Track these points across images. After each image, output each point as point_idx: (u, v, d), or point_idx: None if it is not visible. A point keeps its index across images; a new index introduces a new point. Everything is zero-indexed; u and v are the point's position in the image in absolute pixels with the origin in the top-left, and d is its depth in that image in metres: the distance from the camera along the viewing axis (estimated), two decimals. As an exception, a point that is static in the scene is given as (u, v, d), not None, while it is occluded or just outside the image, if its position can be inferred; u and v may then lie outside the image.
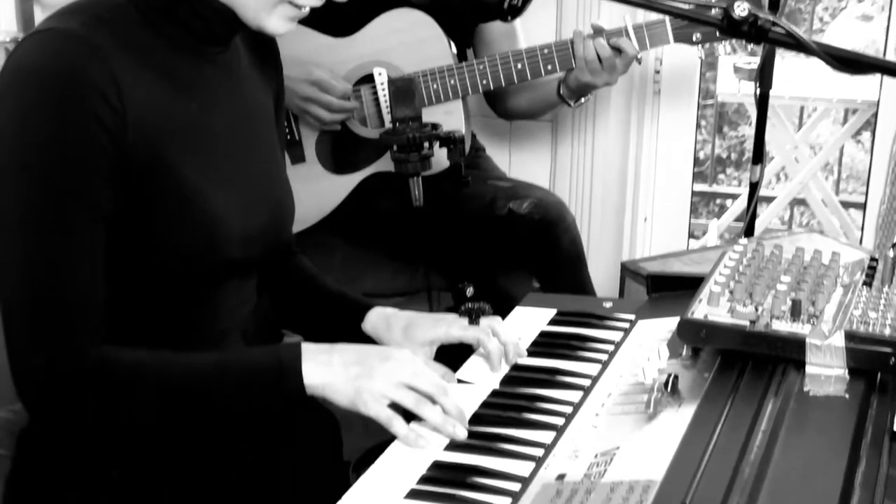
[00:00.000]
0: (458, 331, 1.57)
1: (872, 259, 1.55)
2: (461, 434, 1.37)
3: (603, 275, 3.01)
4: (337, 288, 1.68)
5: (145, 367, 1.34)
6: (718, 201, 5.43)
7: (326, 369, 1.37)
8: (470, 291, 2.25)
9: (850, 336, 1.33)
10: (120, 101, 1.30)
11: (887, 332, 1.33)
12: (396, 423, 1.36)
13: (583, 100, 2.54)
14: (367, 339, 1.63)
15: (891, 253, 1.50)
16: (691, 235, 4.13)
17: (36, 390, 1.31)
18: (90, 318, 1.31)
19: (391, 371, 1.37)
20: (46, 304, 1.29)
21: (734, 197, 4.80)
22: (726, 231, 4.33)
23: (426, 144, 2.10)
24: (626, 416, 1.35)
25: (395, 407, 1.38)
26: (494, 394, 1.50)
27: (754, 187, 2.63)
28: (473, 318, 1.59)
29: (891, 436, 1.33)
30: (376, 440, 1.44)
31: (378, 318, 1.62)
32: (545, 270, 2.50)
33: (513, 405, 1.45)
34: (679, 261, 2.40)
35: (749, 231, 2.67)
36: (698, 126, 3.88)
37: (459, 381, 1.55)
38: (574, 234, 2.49)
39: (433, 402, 1.38)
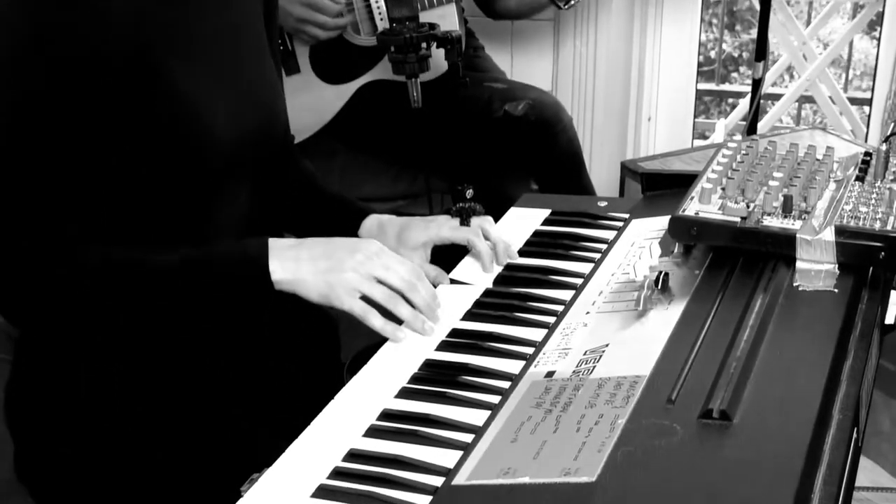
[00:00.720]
0: (448, 231, 1.58)
1: (866, 154, 1.54)
2: (430, 330, 1.38)
3: (606, 177, 3.01)
4: (335, 192, 1.68)
5: (112, 260, 1.35)
6: (730, 100, 5.38)
7: (294, 264, 1.38)
8: (469, 193, 2.26)
9: (841, 231, 1.33)
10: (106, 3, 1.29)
11: (877, 226, 1.33)
12: (372, 317, 1.38)
13: (573, 1, 2.51)
14: None
15: (883, 147, 1.50)
16: (700, 136, 4.11)
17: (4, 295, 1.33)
18: (57, 220, 1.32)
19: (361, 264, 1.38)
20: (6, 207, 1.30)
21: (744, 96, 4.75)
22: (734, 130, 4.30)
23: (424, 45, 2.08)
24: (616, 314, 1.36)
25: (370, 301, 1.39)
26: (487, 293, 1.52)
27: (757, 84, 2.60)
28: (464, 219, 1.60)
29: (881, 329, 1.34)
30: (372, 341, 1.46)
31: (373, 224, 1.63)
32: (543, 171, 2.50)
33: (504, 304, 1.46)
34: (679, 159, 2.38)
35: (752, 129, 2.65)
36: (710, 25, 3.84)
37: (453, 281, 1.56)
38: (571, 135, 2.49)
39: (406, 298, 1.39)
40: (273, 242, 1.39)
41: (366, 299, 1.38)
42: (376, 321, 1.38)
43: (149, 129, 1.35)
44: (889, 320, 1.43)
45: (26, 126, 1.29)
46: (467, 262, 1.60)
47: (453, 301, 1.47)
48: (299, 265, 1.38)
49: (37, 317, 1.36)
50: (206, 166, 1.42)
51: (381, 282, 1.39)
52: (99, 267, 1.34)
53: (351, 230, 1.62)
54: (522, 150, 2.48)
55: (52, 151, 1.31)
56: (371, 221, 1.63)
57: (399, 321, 1.40)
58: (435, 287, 1.49)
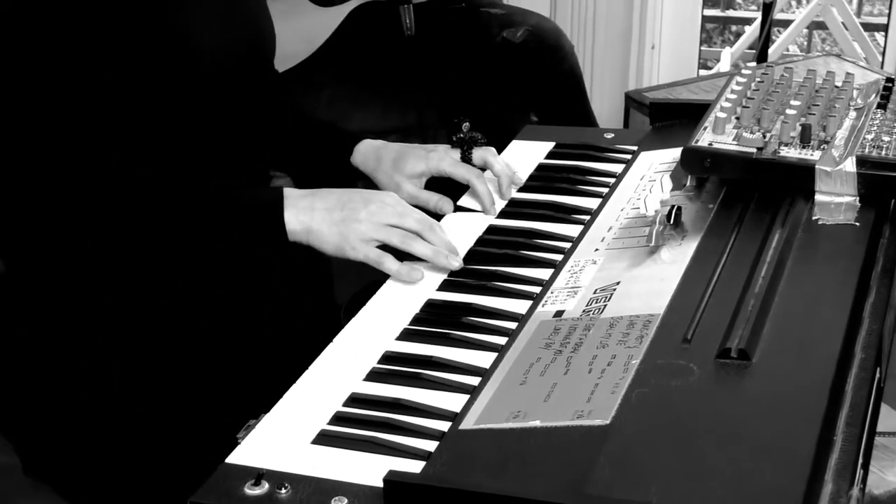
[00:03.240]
0: (448, 166, 1.57)
1: (888, 80, 1.53)
2: (456, 264, 1.39)
3: (608, 107, 3.00)
4: (324, 120, 1.67)
5: (144, 209, 1.36)
6: (734, 28, 5.34)
7: (308, 214, 1.38)
8: (466, 126, 2.24)
9: (862, 161, 1.33)
10: None
11: (901, 156, 1.33)
12: (387, 260, 1.38)
13: None
14: (356, 174, 1.63)
15: (908, 73, 1.49)
16: (704, 66, 4.08)
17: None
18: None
19: (374, 213, 1.38)
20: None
21: (750, 22, 4.71)
22: (740, 59, 4.28)
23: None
24: (626, 251, 1.36)
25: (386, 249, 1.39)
26: (490, 230, 1.51)
27: (767, 9, 2.58)
28: (466, 150, 1.59)
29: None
30: (366, 283, 1.46)
31: (367, 149, 1.62)
32: (544, 102, 2.48)
33: (509, 241, 1.46)
34: (686, 89, 2.39)
35: (762, 57, 2.64)
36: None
37: (459, 208, 1.55)
38: (573, 62, 2.47)
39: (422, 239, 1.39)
40: (288, 192, 1.39)
41: (382, 248, 1.38)
42: (392, 265, 1.38)
43: (141, 51, 1.34)
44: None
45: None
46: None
47: (459, 232, 1.47)
48: (313, 215, 1.38)
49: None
50: (198, 88, 1.40)
51: (395, 227, 1.39)
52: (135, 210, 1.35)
53: (342, 158, 1.61)
54: (522, 80, 2.46)
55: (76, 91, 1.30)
56: (366, 146, 1.62)
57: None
58: (440, 218, 1.49)
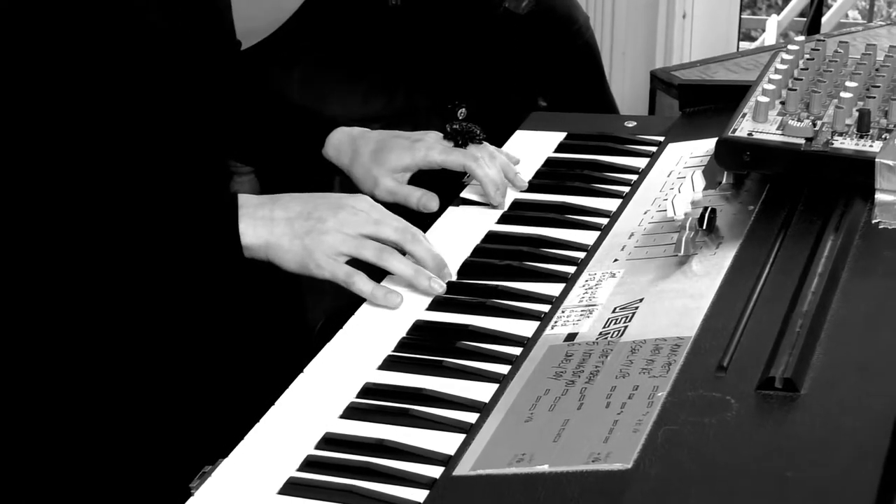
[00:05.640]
0: (439, 155, 1.58)
1: (962, 57, 1.54)
2: (438, 288, 1.39)
3: (631, 89, 3.01)
4: (294, 104, 1.68)
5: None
6: (782, -8, 5.38)
7: (267, 226, 1.38)
8: (462, 113, 2.26)
9: (931, 153, 1.34)
10: None
11: (976, 147, 1.34)
12: (359, 280, 1.38)
13: None
14: (329, 168, 1.64)
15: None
16: (746, 37, 4.10)
17: None
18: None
19: (345, 222, 1.38)
20: None
21: (799, -15, 4.73)
22: (789, 29, 4.29)
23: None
24: (651, 262, 1.37)
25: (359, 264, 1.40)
26: (490, 237, 1.52)
27: (820, -32, 2.59)
28: (460, 143, 1.60)
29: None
30: (345, 299, 1.46)
31: (342, 140, 1.63)
32: (554, 84, 2.49)
33: (512, 251, 1.47)
34: (723, 67, 2.40)
35: (814, 27, 2.65)
36: None
37: (463, 200, 1.57)
38: (588, 37, 2.48)
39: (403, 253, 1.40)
40: (243, 200, 1.39)
41: (354, 263, 1.39)
42: (365, 285, 1.38)
43: (82, 28, 1.35)
44: None
45: None
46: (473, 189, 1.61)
47: (458, 236, 1.48)
48: (272, 227, 1.39)
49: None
50: (145, 64, 1.41)
51: (370, 238, 1.39)
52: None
53: (313, 147, 1.62)
54: (528, 58, 2.47)
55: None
56: (340, 136, 1.63)
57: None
58: (427, 225, 1.50)
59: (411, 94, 2.37)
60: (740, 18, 3.35)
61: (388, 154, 1.60)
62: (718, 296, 1.25)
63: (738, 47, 3.22)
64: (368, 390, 1.24)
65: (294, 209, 1.40)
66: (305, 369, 1.28)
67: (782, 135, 1.41)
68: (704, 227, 1.36)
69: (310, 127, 1.65)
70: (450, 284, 1.41)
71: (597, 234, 1.49)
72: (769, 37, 3.68)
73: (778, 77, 1.51)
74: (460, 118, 2.20)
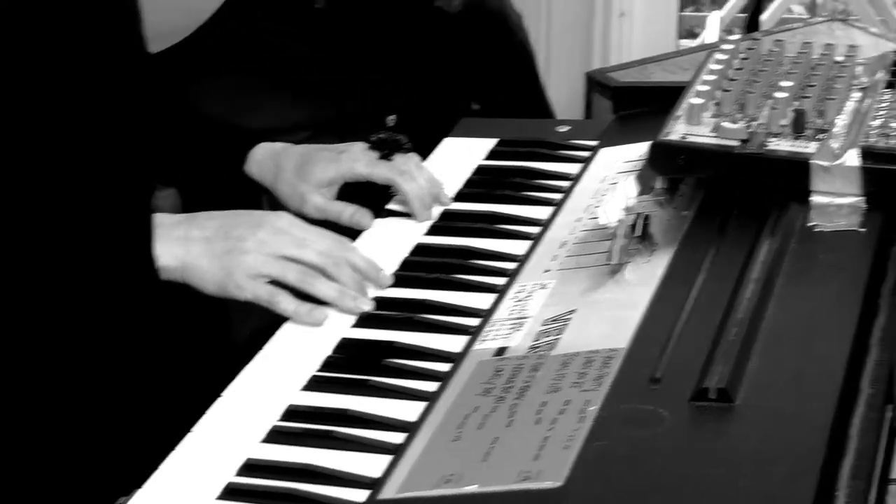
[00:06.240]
0: (364, 167, 1.59)
1: (899, 52, 1.57)
2: (366, 307, 1.40)
3: (568, 93, 3.02)
4: (210, 119, 1.68)
5: None
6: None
7: (183, 246, 1.38)
8: (391, 120, 2.26)
9: (868, 153, 1.36)
10: None
11: (913, 145, 1.36)
12: (282, 300, 1.39)
13: None
14: (252, 185, 1.64)
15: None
16: (690, 34, 4.13)
17: None
18: None
19: (265, 242, 1.39)
20: None
21: (742, -20, 4.77)
22: (732, 25, 4.33)
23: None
24: (583, 271, 1.38)
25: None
26: (418, 250, 1.53)
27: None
28: (386, 156, 1.61)
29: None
30: (269, 319, 1.46)
31: (264, 156, 1.63)
32: (487, 87, 2.50)
33: (440, 264, 1.48)
34: (661, 67, 2.41)
35: (753, 24, 2.67)
36: None
37: (389, 212, 1.58)
38: (522, 37, 2.49)
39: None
40: (159, 219, 1.39)
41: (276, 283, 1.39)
42: (288, 304, 1.39)
43: None
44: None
45: None
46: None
47: (385, 248, 1.49)
48: (189, 247, 1.39)
49: None
50: (43, 74, 1.40)
51: (293, 261, 1.40)
52: None
53: (233, 165, 1.62)
54: (460, 59, 2.47)
55: None
56: (262, 152, 1.64)
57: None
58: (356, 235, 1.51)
59: (340, 101, 2.37)
60: (680, 16, 3.38)
61: (312, 168, 1.60)
62: (652, 305, 1.26)
63: (677, 46, 3.25)
64: (292, 412, 1.24)
65: (211, 228, 1.40)
66: (224, 392, 1.28)
67: (716, 137, 1.43)
68: (638, 234, 1.37)
69: (229, 143, 1.65)
70: (377, 300, 1.42)
71: (528, 243, 1.50)
72: (710, 34, 3.71)
73: (712, 78, 1.53)
74: (390, 125, 2.20)
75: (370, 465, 1.15)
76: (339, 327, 1.38)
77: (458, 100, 2.54)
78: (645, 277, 1.31)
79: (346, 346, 1.35)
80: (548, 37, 3.05)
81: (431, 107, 2.50)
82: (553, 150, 1.72)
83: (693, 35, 4.15)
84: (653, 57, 2.55)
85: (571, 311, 1.30)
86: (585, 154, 1.69)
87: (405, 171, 1.58)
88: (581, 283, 1.35)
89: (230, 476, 1.16)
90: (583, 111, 2.60)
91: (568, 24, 3.09)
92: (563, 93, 2.98)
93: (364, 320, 1.39)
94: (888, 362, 1.17)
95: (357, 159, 1.60)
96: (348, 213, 1.58)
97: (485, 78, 2.51)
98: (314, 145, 1.64)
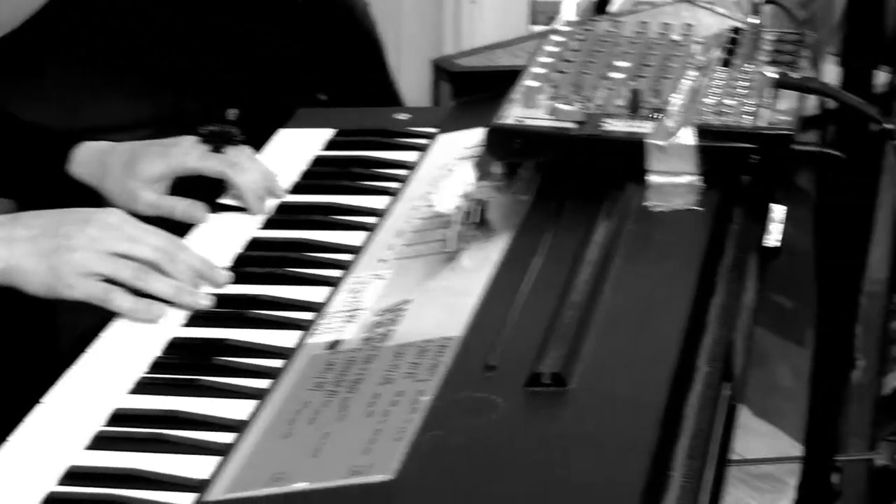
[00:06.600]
0: (194, 161, 1.58)
1: (735, 30, 1.59)
2: (204, 303, 1.39)
3: (418, 81, 3.02)
4: (23, 121, 1.65)
5: None
6: (583, -30, 5.47)
7: (7, 247, 1.36)
8: (233, 114, 2.24)
9: (703, 131, 1.38)
10: None
11: (747, 122, 1.38)
12: (117, 297, 1.37)
13: None
14: (79, 189, 1.62)
15: (756, 19, 1.55)
16: (548, 20, 4.16)
17: None
18: None
19: (96, 239, 1.37)
20: None
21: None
22: (588, 12, 4.37)
23: None
24: (420, 260, 1.38)
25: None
26: (252, 245, 1.52)
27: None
28: (217, 147, 1.60)
29: (760, 254, 1.40)
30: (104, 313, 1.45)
31: (90, 156, 1.61)
32: (334, 77, 2.49)
33: (275, 257, 1.48)
34: (509, 52, 2.42)
35: (602, 5, 2.69)
36: None
37: (222, 207, 1.57)
38: (368, 26, 2.49)
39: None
40: None
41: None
42: (124, 301, 1.37)
43: None
44: (771, 243, 1.48)
45: None
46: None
47: (219, 245, 1.49)
48: (12, 248, 1.36)
49: None
50: None
51: (126, 258, 1.38)
52: None
53: (54, 168, 1.60)
54: (305, 49, 2.46)
55: None
56: (86, 152, 1.61)
57: None
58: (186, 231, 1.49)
59: (179, 96, 2.35)
60: (535, 2, 3.40)
61: (140, 163, 1.59)
62: (488, 291, 1.26)
63: (527, 29, 3.27)
64: (118, 417, 1.23)
65: (37, 227, 1.38)
66: (45, 398, 1.26)
67: (553, 120, 1.44)
68: (475, 220, 1.38)
69: (46, 146, 1.63)
70: (210, 297, 1.41)
71: (366, 234, 1.50)
72: (566, 18, 3.73)
73: (549, 60, 1.54)
74: (231, 119, 2.19)
75: (199, 467, 1.14)
76: (168, 327, 1.37)
77: (303, 91, 2.54)
78: (481, 264, 1.31)
79: (175, 346, 1.34)
80: (398, 25, 3.05)
81: (276, 99, 2.49)
82: (391, 138, 1.73)
83: (550, 20, 4.18)
84: (501, 42, 2.56)
85: (407, 301, 1.30)
86: (425, 142, 1.70)
87: (237, 164, 1.58)
88: (417, 272, 1.35)
89: (51, 486, 1.13)
90: (431, 98, 2.61)
91: (418, 11, 3.10)
92: (415, 82, 2.99)
93: (195, 319, 1.38)
94: (725, 340, 1.19)
95: (187, 153, 1.59)
96: (181, 207, 1.57)
97: (331, 68, 2.51)
98: (142, 142, 1.63)
